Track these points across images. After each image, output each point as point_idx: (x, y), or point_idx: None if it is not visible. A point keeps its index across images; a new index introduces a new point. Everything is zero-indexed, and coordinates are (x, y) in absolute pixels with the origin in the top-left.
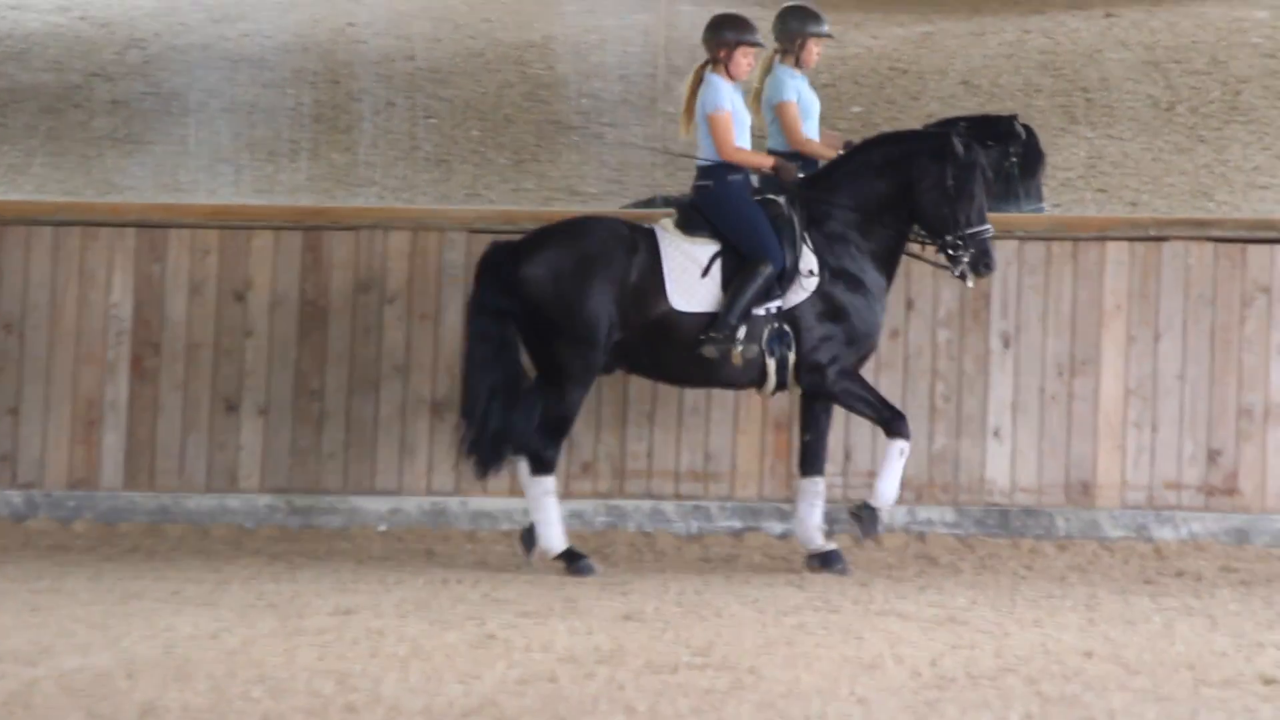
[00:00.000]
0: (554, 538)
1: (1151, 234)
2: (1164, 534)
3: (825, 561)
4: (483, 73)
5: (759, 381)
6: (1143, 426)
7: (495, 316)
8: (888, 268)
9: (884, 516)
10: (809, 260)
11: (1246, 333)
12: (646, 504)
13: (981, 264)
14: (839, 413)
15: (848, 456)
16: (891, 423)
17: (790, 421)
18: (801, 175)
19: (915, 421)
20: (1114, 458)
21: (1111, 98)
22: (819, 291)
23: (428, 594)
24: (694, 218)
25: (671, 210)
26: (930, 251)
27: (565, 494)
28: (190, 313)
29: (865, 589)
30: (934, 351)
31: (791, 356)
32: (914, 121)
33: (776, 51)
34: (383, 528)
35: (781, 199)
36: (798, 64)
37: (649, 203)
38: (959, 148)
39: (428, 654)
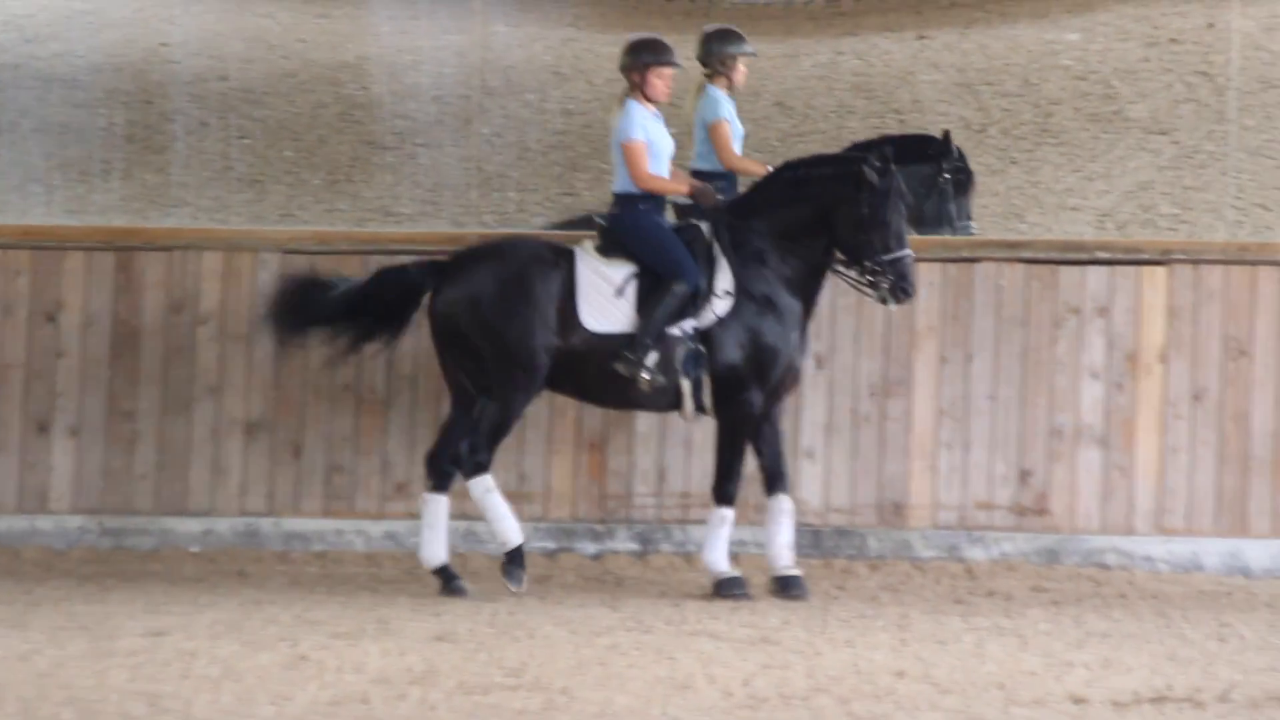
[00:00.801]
0: (509, 531)
1: (963, 255)
2: (975, 554)
3: (785, 586)
4: (297, 93)
5: (676, 403)
6: (954, 447)
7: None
8: (805, 293)
9: (725, 576)
10: (725, 281)
11: (1057, 353)
12: (460, 524)
13: (900, 289)
14: (656, 430)
15: (661, 477)
16: (724, 488)
17: (604, 443)
18: (722, 197)
19: None
20: (926, 478)
21: (924, 119)
22: (733, 313)
23: (240, 615)
24: (613, 242)
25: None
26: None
27: (379, 514)
28: (1, 333)
29: (678, 609)
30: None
31: (706, 379)
32: None
33: (706, 74)
34: (195, 549)
35: (703, 223)
36: (730, 85)
37: (576, 222)
38: (872, 176)
39: (240, 675)
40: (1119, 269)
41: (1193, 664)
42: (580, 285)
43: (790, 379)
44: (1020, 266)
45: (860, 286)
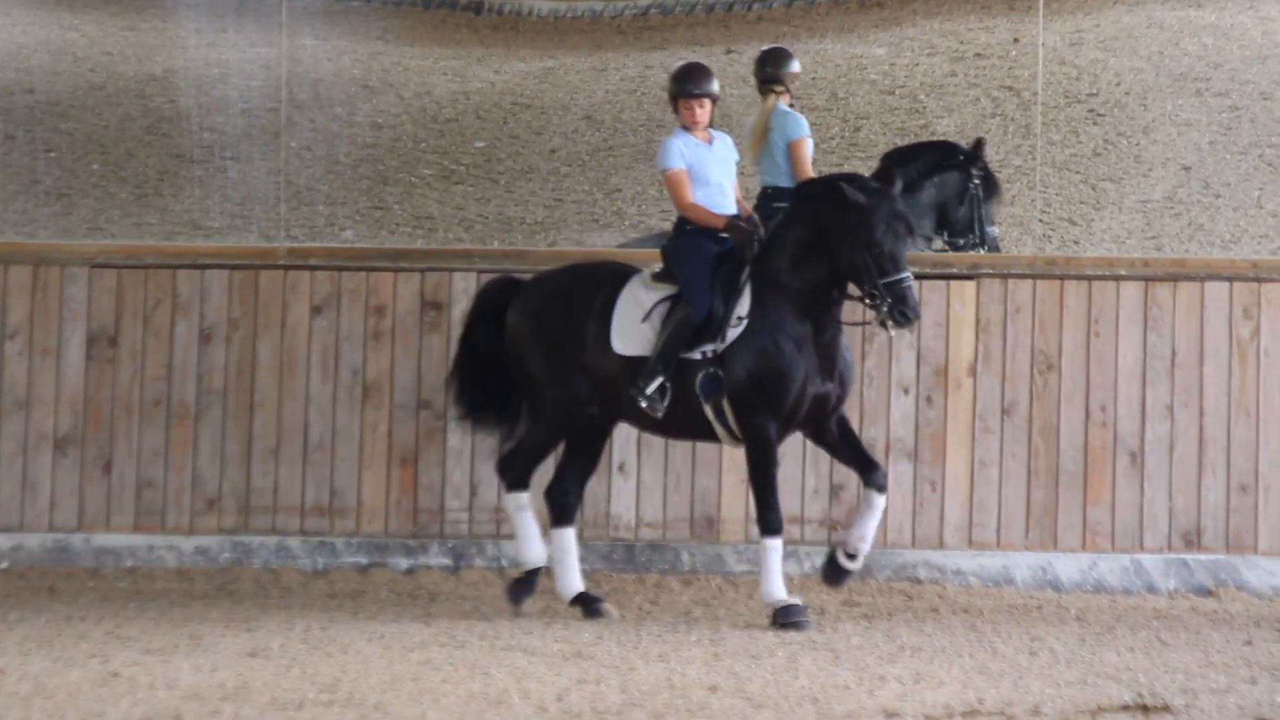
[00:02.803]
0: (529, 552)
1: None
2: (787, 568)
3: (832, 569)
4: (104, 106)
5: (707, 431)
6: None
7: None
8: (817, 317)
9: (790, 601)
10: (743, 306)
11: (867, 367)
12: (272, 540)
13: (898, 312)
14: (467, 446)
15: (474, 491)
16: (763, 517)
17: (416, 457)
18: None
19: None
20: (738, 492)
21: (732, 133)
22: (743, 338)
23: (50, 631)
24: (666, 264)
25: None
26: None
27: (190, 529)
28: None
29: (491, 624)
30: None
31: (726, 403)
32: (536, 157)
33: (778, 92)
34: (4, 565)
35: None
36: (791, 101)
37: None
38: (856, 196)
39: (50, 692)
40: (928, 283)
41: (1004, 678)
42: (618, 308)
43: (815, 405)
44: None
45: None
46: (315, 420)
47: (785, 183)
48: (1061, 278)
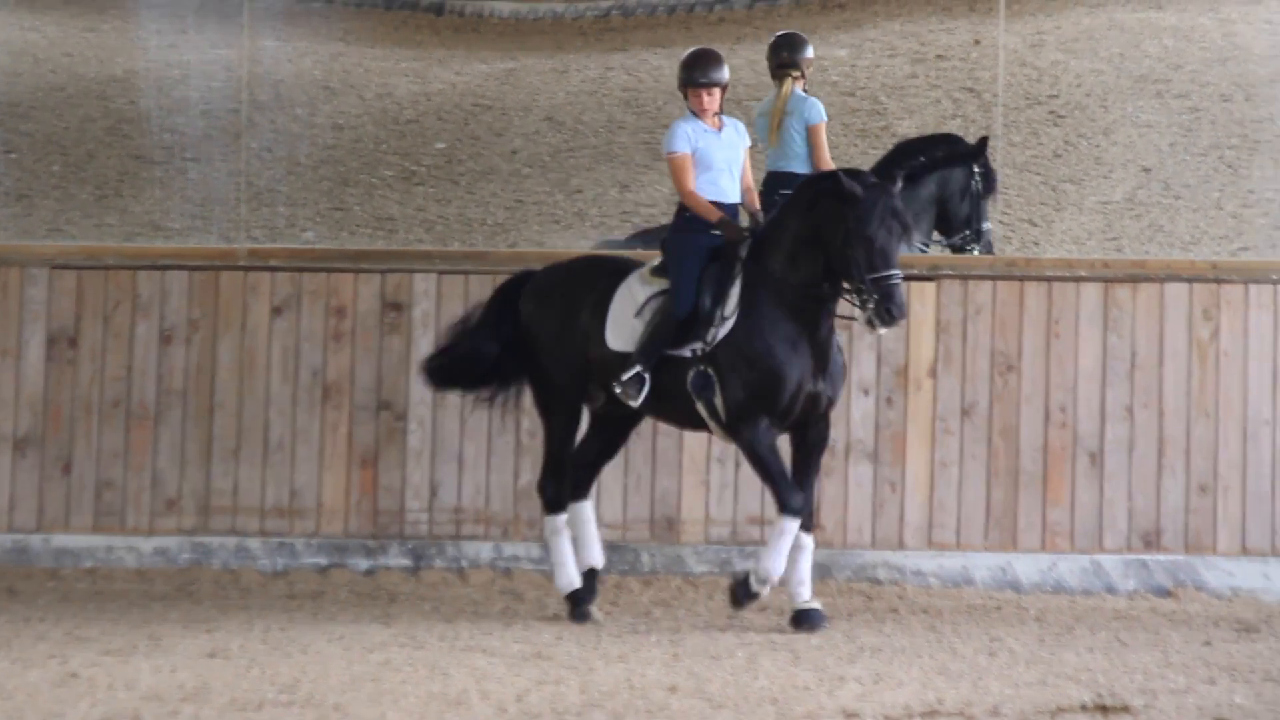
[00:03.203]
0: (563, 577)
1: None
2: (748, 569)
3: (803, 619)
4: (64, 107)
5: (701, 423)
6: (726, 462)
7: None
8: (810, 316)
9: (764, 591)
10: (730, 304)
11: None
12: (231, 540)
13: (884, 310)
14: (428, 446)
15: (434, 492)
16: (778, 499)
17: (376, 458)
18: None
19: (502, 457)
20: (698, 493)
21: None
22: (732, 336)
23: (9, 632)
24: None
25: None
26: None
27: (149, 530)
28: None
29: (451, 625)
30: (521, 387)
31: (719, 401)
32: (497, 158)
33: (792, 78)
34: None
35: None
36: (805, 87)
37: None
38: (854, 188)
39: (9, 693)
40: None
41: (963, 678)
42: (613, 304)
43: (809, 404)
44: None
45: (850, 314)
46: (275, 421)
47: (801, 167)
48: (1021, 279)
